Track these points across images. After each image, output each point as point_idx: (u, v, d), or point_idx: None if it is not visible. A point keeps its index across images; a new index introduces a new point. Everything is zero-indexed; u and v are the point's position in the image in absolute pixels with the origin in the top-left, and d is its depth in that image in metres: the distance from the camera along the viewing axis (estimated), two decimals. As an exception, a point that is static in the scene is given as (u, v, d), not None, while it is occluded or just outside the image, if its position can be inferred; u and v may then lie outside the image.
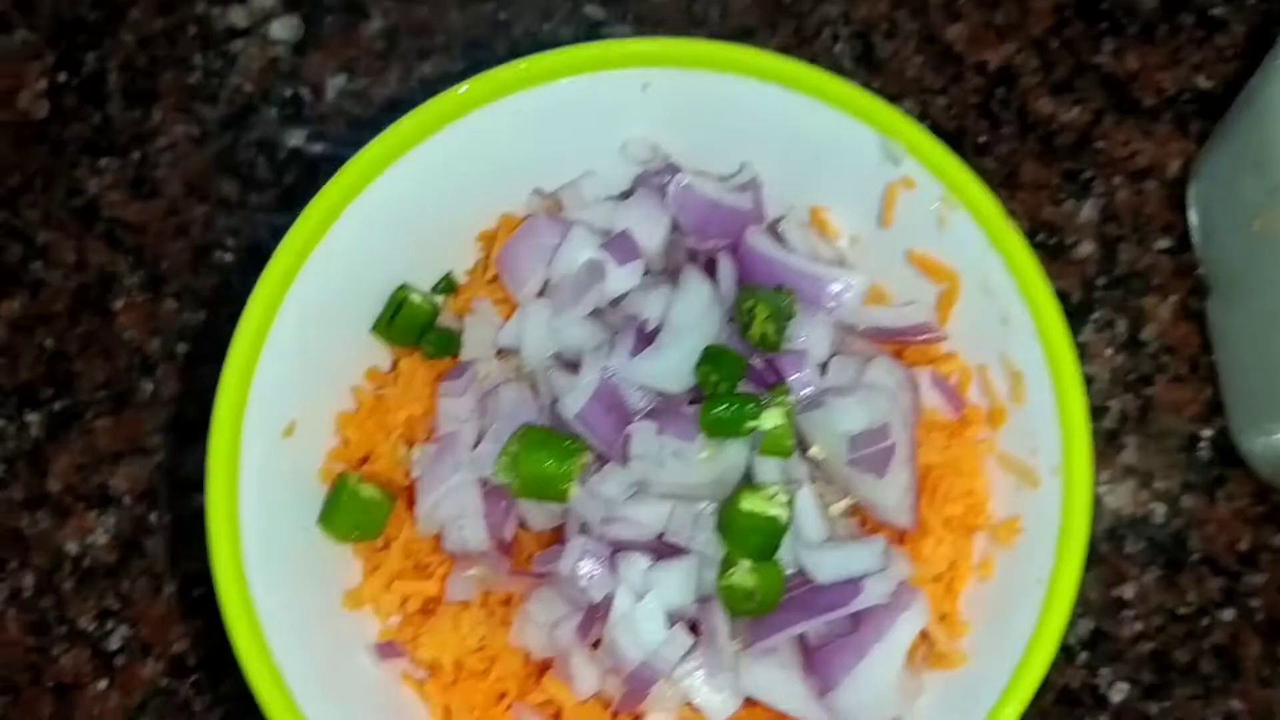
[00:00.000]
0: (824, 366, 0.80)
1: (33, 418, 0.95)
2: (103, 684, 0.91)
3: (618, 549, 0.77)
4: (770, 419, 0.76)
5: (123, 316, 0.97)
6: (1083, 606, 0.90)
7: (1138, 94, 1.00)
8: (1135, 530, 0.92)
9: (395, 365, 0.86)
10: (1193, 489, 0.92)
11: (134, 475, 0.94)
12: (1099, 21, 1.01)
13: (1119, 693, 0.89)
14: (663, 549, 0.77)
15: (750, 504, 0.75)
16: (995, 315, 0.79)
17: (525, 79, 0.82)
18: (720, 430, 0.76)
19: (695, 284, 0.80)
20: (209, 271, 0.97)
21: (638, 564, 0.76)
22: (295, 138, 1.00)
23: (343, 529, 0.81)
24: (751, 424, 0.76)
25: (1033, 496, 0.78)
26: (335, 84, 1.01)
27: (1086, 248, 0.96)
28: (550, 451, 0.77)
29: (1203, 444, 0.93)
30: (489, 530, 0.79)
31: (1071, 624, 0.89)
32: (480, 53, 1.02)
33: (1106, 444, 0.93)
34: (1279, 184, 0.82)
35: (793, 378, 0.78)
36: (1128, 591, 0.91)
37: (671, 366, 0.78)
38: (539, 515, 0.80)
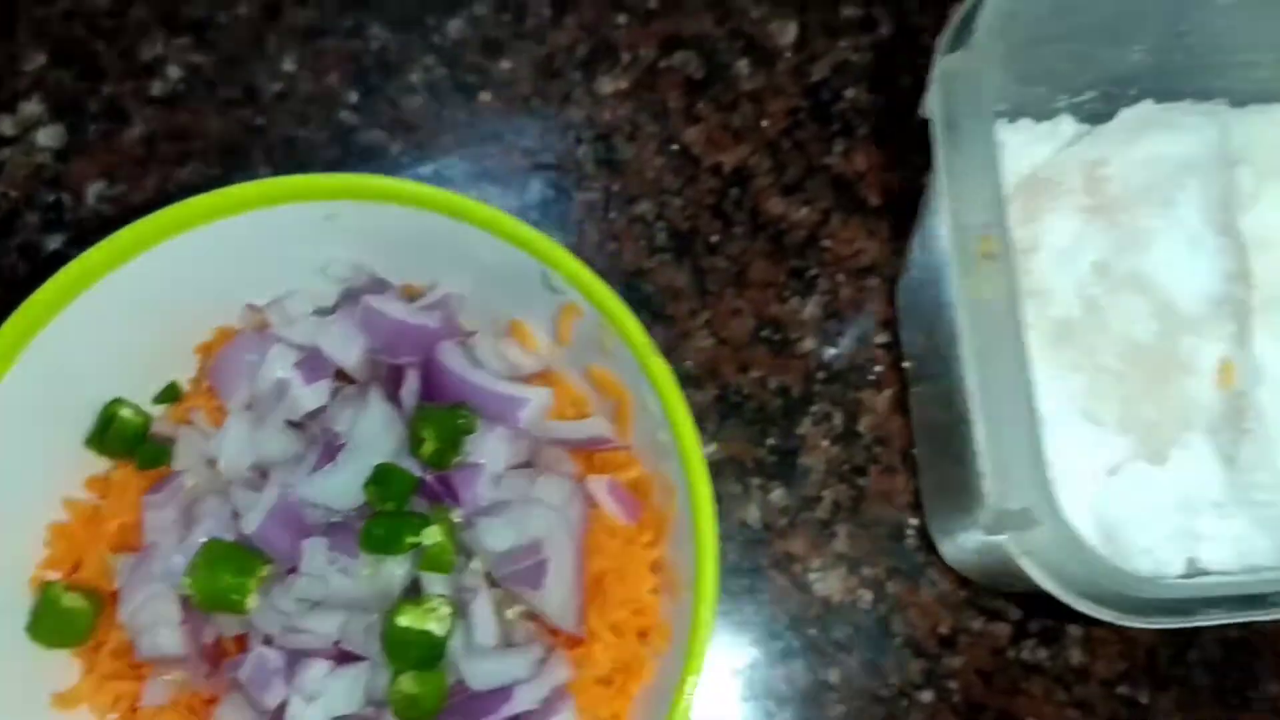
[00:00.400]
0: (497, 482, 0.84)
1: None
2: None
3: (301, 656, 0.81)
4: (430, 536, 0.80)
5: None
6: (791, 691, 0.95)
7: (863, 193, 1.04)
8: (843, 616, 0.96)
9: (110, 473, 0.90)
10: (898, 575, 0.97)
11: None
12: (830, 123, 1.06)
13: (819, 776, 0.93)
14: (344, 655, 0.82)
15: (407, 619, 0.79)
16: (654, 427, 0.84)
17: (221, 209, 0.85)
18: (378, 547, 0.80)
19: (374, 403, 0.84)
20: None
21: (314, 671, 0.81)
22: (55, 242, 1.04)
23: (47, 636, 0.85)
24: (412, 539, 0.80)
25: (680, 603, 0.82)
26: (95, 189, 1.05)
27: (809, 343, 1.01)
28: (229, 565, 0.81)
29: (910, 532, 0.97)
30: (187, 636, 0.83)
31: (778, 711, 0.94)
32: (237, 157, 1.06)
33: (819, 533, 0.97)
34: (945, 303, 0.86)
35: (466, 493, 0.82)
36: (833, 675, 0.95)
37: (345, 483, 0.82)
38: (231, 623, 0.84)
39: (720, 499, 0.96)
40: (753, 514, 0.98)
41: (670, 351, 0.99)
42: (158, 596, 0.84)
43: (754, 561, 0.97)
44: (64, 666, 0.87)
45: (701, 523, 0.79)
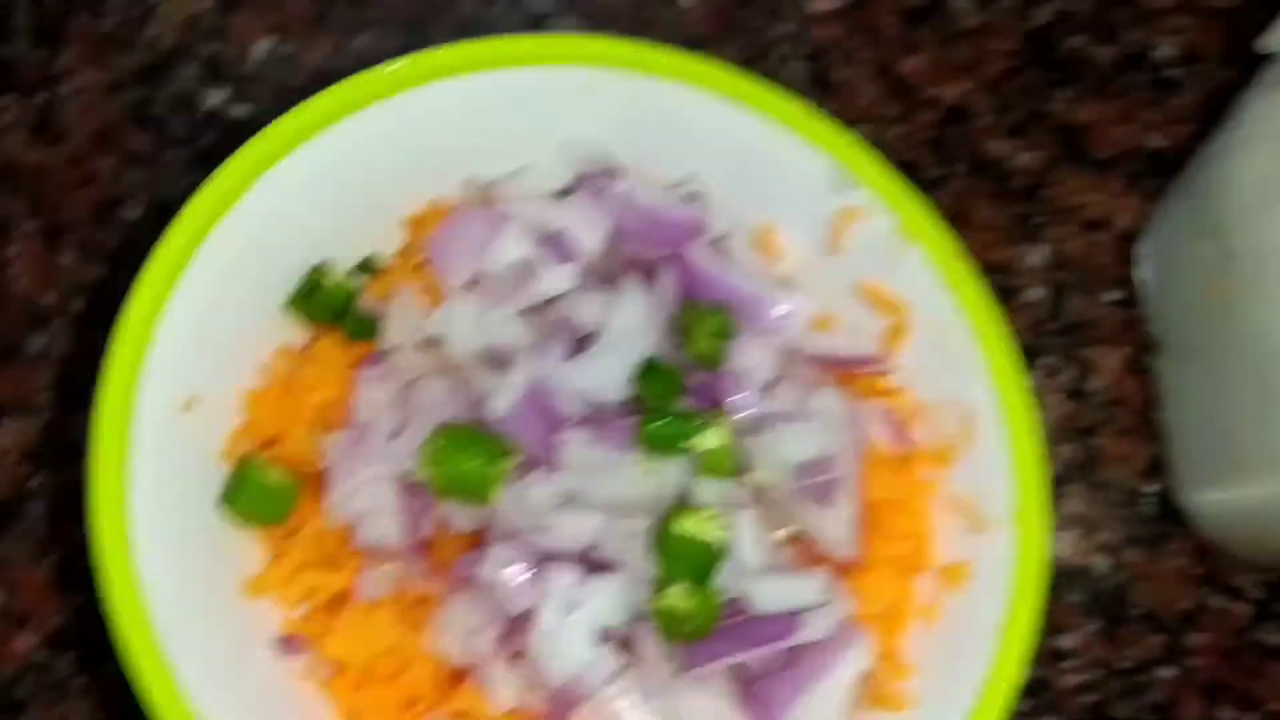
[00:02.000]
0: (766, 391, 0.76)
1: (-88, 363, 0.88)
2: (-30, 655, 0.84)
3: (544, 559, 0.72)
4: (711, 439, 0.72)
5: (15, 265, 0.90)
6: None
7: (1090, 145, 0.98)
8: (1076, 580, 0.90)
9: (311, 344, 0.80)
10: (1136, 544, 0.90)
11: (20, 432, 0.87)
12: (1053, 71, 0.99)
13: (1060, 743, 0.87)
14: (592, 563, 0.73)
15: (685, 526, 0.71)
16: (946, 354, 0.77)
17: (463, 64, 0.78)
18: (659, 446, 0.72)
19: (636, 292, 0.76)
20: (113, 226, 0.91)
21: (566, 577, 0.71)
22: (214, 97, 0.94)
23: (245, 513, 0.75)
24: (691, 442, 0.72)
25: (982, 541, 0.75)
26: (261, 47, 0.95)
27: (1035, 293, 0.94)
28: (474, 452, 0.72)
29: (1146, 499, 0.91)
30: (405, 528, 0.74)
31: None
32: (417, 33, 0.97)
33: (1052, 490, 0.90)
34: (1233, 254, 0.81)
35: (733, 399, 0.74)
36: (1068, 642, 0.88)
37: (607, 375, 0.74)
38: (461, 516, 0.74)
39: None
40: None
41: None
42: (376, 480, 0.74)
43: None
44: (248, 551, 0.77)
45: (1022, 449, 0.74)
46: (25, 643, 0.84)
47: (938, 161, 0.96)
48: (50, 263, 0.90)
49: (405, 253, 0.82)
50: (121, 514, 0.70)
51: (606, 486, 0.72)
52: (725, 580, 0.72)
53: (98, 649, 0.84)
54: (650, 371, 0.73)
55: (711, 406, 0.74)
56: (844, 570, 0.76)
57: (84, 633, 0.85)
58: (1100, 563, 0.90)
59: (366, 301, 0.80)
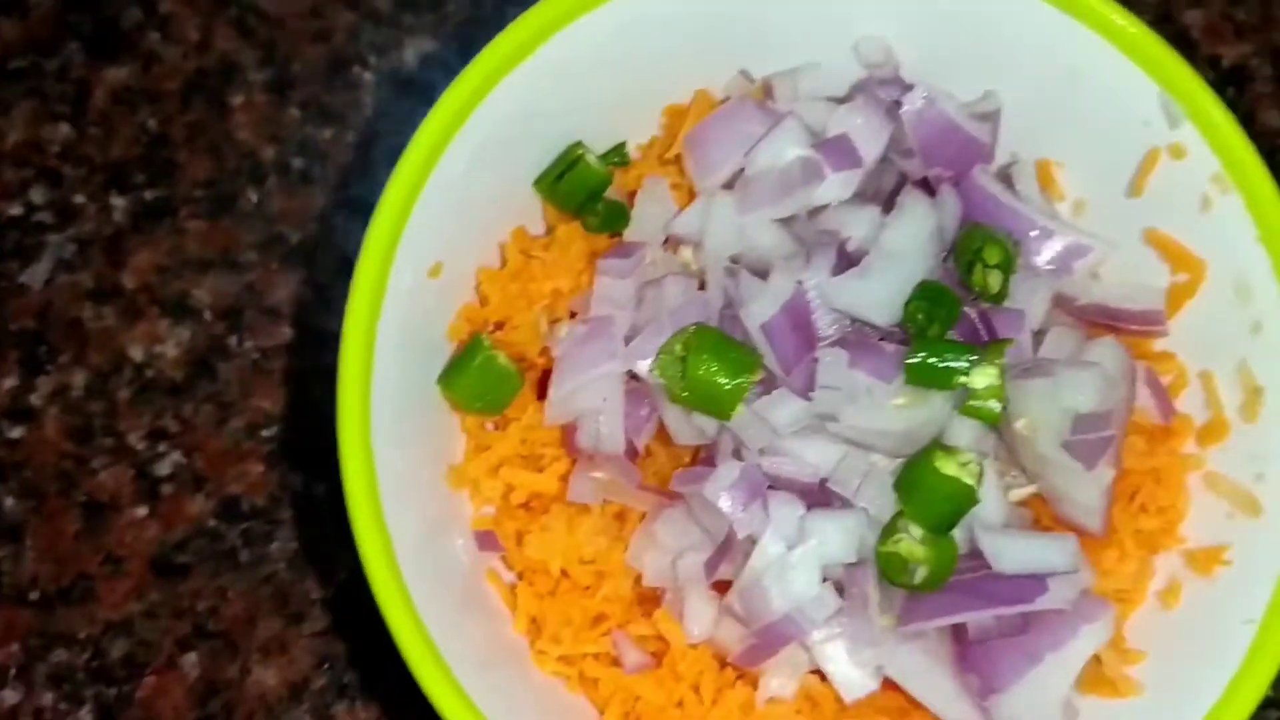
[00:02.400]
0: (1035, 336, 0.70)
1: (119, 202, 0.85)
2: (142, 511, 0.81)
3: (773, 485, 0.67)
4: (982, 377, 0.67)
5: (240, 114, 0.87)
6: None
7: (1374, 128, 0.91)
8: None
9: (549, 230, 0.76)
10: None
11: (220, 289, 0.84)
12: (1353, 40, 0.93)
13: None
14: (819, 497, 0.68)
15: (945, 466, 0.65)
16: (1243, 319, 0.71)
17: None
18: (928, 378, 0.66)
19: (919, 208, 0.70)
20: (343, 86, 0.87)
21: (793, 507, 0.67)
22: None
23: (467, 396, 0.71)
24: (962, 379, 0.66)
25: (1248, 526, 0.69)
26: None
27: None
28: (724, 360, 0.67)
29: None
30: (627, 433, 0.69)
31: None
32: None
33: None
34: None
35: (1010, 338, 0.69)
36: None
37: (879, 295, 0.68)
38: (686, 429, 0.70)
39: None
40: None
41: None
42: (605, 378, 0.70)
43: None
44: (454, 437, 0.73)
45: None
46: (198, 507, 0.82)
47: (1208, 125, 0.90)
48: (275, 116, 0.87)
49: (660, 144, 0.77)
50: (368, 376, 0.66)
51: (858, 416, 0.67)
52: (961, 533, 0.67)
53: (270, 523, 0.81)
54: (928, 295, 0.68)
55: (986, 344, 0.69)
56: (1081, 540, 0.70)
57: (258, 506, 0.82)
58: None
59: (611, 192, 0.75)
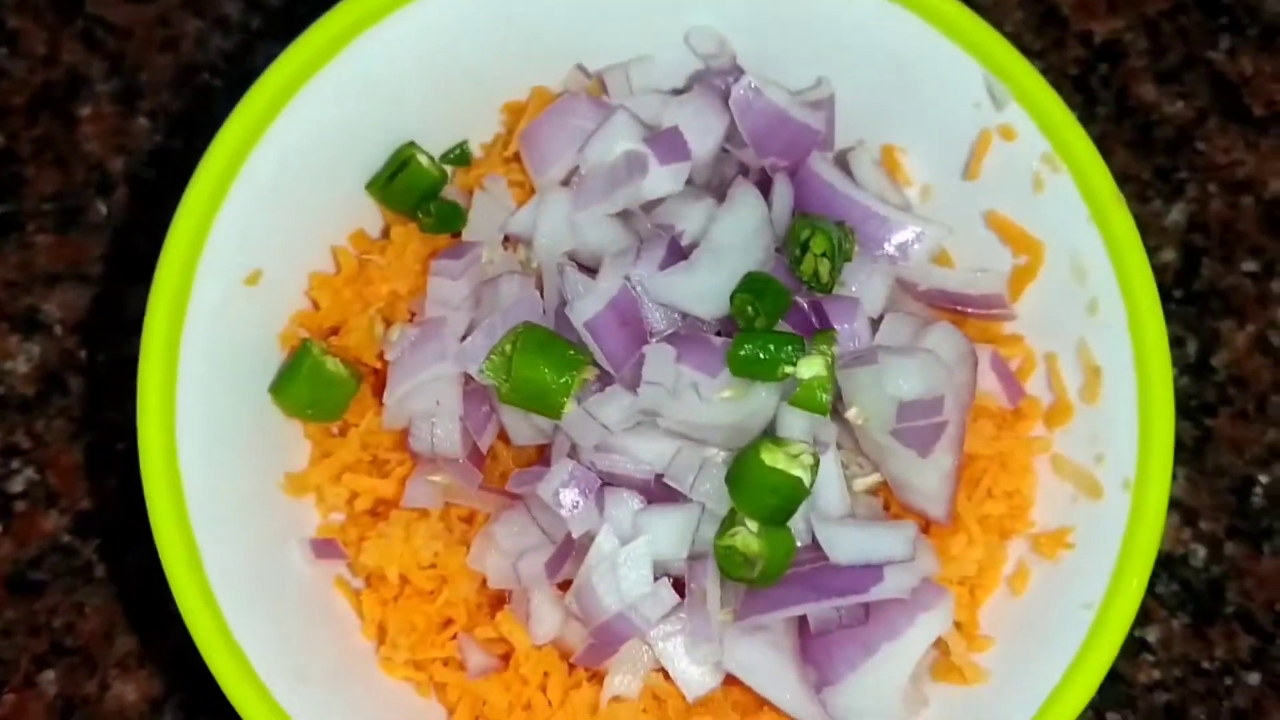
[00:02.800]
0: (874, 323, 0.70)
1: (-34, 218, 0.85)
2: (-5, 528, 0.81)
3: (607, 483, 0.67)
4: (809, 367, 0.66)
5: (87, 126, 0.87)
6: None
7: (1248, 99, 0.91)
8: (1170, 570, 0.83)
9: (386, 232, 0.75)
10: (1239, 536, 0.84)
11: (70, 303, 0.84)
12: (1218, 15, 0.92)
13: (1123, 742, 0.80)
14: (656, 493, 0.67)
15: (772, 458, 0.64)
16: (1080, 299, 0.70)
17: None
18: (751, 370, 0.65)
19: (748, 200, 0.69)
20: (192, 95, 0.87)
21: (628, 504, 0.66)
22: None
23: (297, 403, 0.71)
24: (788, 369, 0.65)
25: (1090, 509, 0.68)
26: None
27: (1167, 255, 0.88)
28: (550, 358, 0.66)
29: (1258, 490, 0.84)
30: (464, 435, 0.69)
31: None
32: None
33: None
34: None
35: (840, 327, 0.68)
36: (1151, 634, 0.82)
37: (706, 288, 0.67)
38: (523, 429, 0.69)
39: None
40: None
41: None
42: (440, 380, 0.69)
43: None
44: (294, 444, 0.73)
45: (1156, 410, 0.67)
46: (52, 523, 0.81)
47: (1080, 101, 0.90)
48: (122, 127, 0.87)
49: (500, 142, 0.77)
50: (170, 384, 0.66)
51: (687, 410, 0.66)
52: (799, 525, 0.67)
53: (123, 537, 0.81)
54: (753, 287, 0.67)
55: (813, 333, 0.68)
56: (928, 528, 0.70)
57: (111, 520, 0.81)
58: (1199, 553, 0.84)
59: (450, 192, 0.75)
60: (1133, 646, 0.82)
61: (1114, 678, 0.80)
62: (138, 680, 0.79)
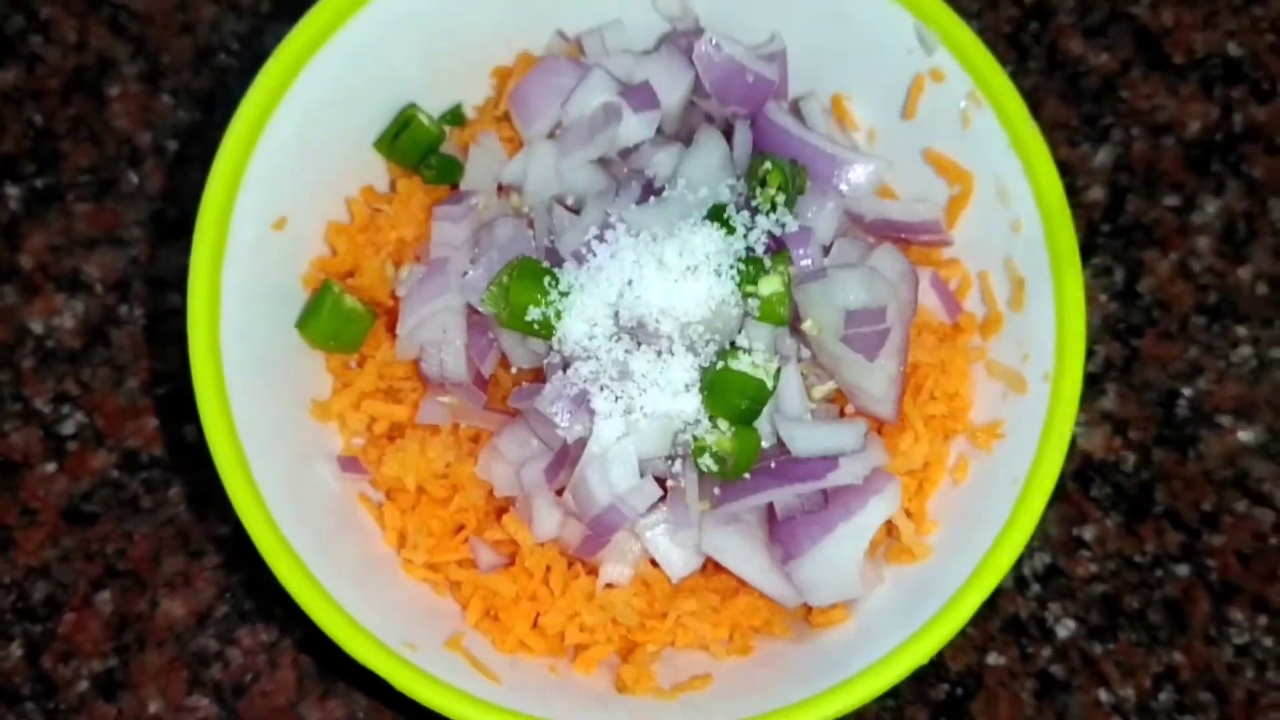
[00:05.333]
0: (826, 251, 0.78)
1: (12, 191, 0.93)
2: (51, 466, 0.89)
3: (596, 392, 0.75)
4: (768, 285, 0.75)
5: (116, 104, 0.94)
6: (1040, 540, 0.90)
7: (1168, 49, 0.99)
8: (1104, 475, 0.91)
9: (393, 186, 0.84)
10: (1166, 443, 0.92)
11: (108, 264, 0.92)
12: (1140, -30, 1.00)
13: (1065, 629, 0.88)
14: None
15: (739, 365, 0.73)
16: (1005, 220, 0.79)
17: None
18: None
19: (711, 141, 0.79)
20: (209, 73, 0.95)
21: (616, 406, 0.74)
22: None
23: (321, 336, 0.79)
24: (750, 288, 0.75)
25: (1018, 402, 0.77)
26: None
27: (1096, 193, 0.96)
28: (541, 286, 0.75)
29: (1181, 402, 0.92)
30: (469, 360, 0.77)
31: (1027, 555, 0.89)
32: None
33: (1088, 387, 0.92)
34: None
35: (797, 253, 0.77)
36: (1087, 533, 0.90)
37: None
38: (521, 353, 0.78)
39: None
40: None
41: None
42: (445, 312, 0.77)
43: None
44: (318, 377, 0.81)
45: (1069, 307, 0.75)
46: (101, 461, 0.89)
47: (1014, 56, 0.98)
48: (148, 104, 0.95)
49: (491, 103, 0.86)
50: (215, 325, 0.74)
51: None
52: (765, 426, 0.75)
53: (166, 471, 0.89)
54: (715, 214, 0.76)
55: (782, 252, 0.76)
56: (880, 430, 0.79)
57: (155, 456, 0.89)
58: (1129, 459, 0.91)
59: (449, 148, 0.83)
60: (1071, 544, 0.89)
61: (1055, 572, 0.89)
62: (184, 597, 0.86)
